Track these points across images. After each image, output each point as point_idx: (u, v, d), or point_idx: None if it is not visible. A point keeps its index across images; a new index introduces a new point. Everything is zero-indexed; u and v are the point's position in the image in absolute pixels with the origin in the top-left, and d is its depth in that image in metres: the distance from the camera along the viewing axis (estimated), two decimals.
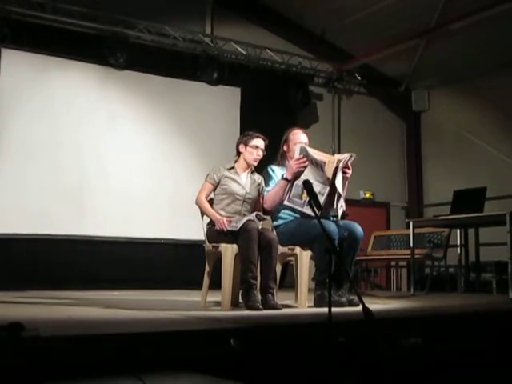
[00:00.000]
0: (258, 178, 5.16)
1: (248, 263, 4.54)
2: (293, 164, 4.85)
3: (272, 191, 4.99)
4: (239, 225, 4.64)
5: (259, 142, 5.07)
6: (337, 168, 4.79)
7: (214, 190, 5.06)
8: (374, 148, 11.51)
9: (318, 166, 4.82)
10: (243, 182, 5.05)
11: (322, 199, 4.68)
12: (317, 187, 4.68)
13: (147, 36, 9.39)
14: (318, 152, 4.90)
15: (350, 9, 9.94)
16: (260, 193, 5.12)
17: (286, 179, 4.87)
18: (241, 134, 9.00)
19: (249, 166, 5.10)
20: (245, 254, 4.57)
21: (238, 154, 5.13)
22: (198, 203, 5.00)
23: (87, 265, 8.49)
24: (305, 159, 4.82)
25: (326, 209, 4.84)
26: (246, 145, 5.06)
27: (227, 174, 5.02)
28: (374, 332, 3.30)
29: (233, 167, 5.08)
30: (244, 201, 4.99)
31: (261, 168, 5.21)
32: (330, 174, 4.80)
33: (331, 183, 4.81)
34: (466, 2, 8.90)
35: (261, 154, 5.07)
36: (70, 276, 8.14)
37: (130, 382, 2.48)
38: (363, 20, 10.01)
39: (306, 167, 4.83)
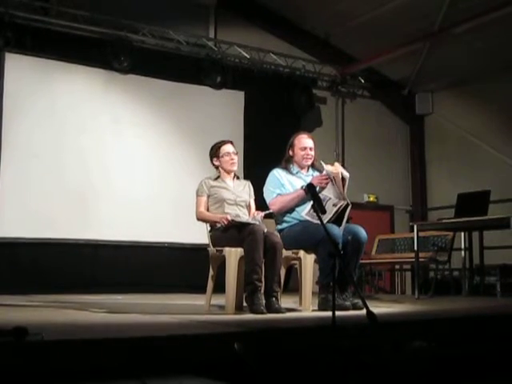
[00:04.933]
0: (244, 182, 5.28)
1: (253, 265, 4.55)
2: (315, 179, 4.96)
3: (286, 197, 5.05)
4: (242, 220, 4.77)
5: (228, 148, 5.17)
6: (343, 178, 4.95)
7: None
8: (378, 151, 11.52)
9: (333, 179, 4.93)
10: (231, 187, 5.13)
11: (333, 210, 4.88)
12: (333, 201, 4.92)
13: (151, 40, 9.41)
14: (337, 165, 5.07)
15: (354, 12, 9.95)
16: (250, 196, 5.22)
17: (305, 190, 4.90)
18: (244, 137, 9.18)
19: (230, 172, 5.18)
20: (250, 256, 4.57)
21: (216, 167, 5.21)
22: (199, 218, 5.06)
23: (91, 269, 8.49)
24: (327, 177, 4.93)
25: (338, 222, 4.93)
26: (218, 157, 5.16)
27: (214, 183, 5.11)
28: (378, 336, 3.30)
29: (218, 176, 5.17)
30: (237, 204, 5.05)
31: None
32: (341, 186, 4.95)
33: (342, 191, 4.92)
34: (470, 6, 8.91)
35: (234, 157, 5.17)
36: (73, 280, 8.14)
37: None
38: (367, 23, 10.01)
39: (327, 184, 4.93)
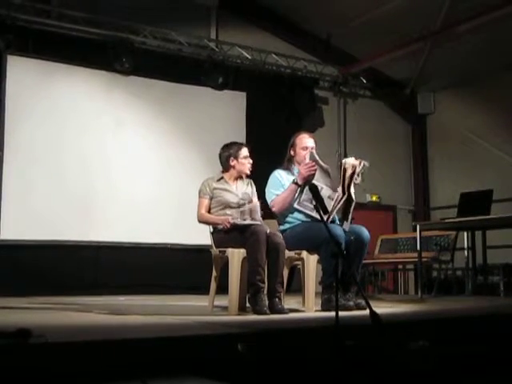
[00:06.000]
0: (246, 181, 5.23)
1: (256, 266, 4.55)
2: (302, 169, 4.90)
3: (282, 195, 5.02)
4: (244, 222, 4.72)
5: (246, 151, 5.15)
6: (353, 173, 4.86)
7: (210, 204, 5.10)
8: (380, 151, 11.49)
9: (326, 172, 4.87)
10: (234, 189, 5.10)
11: (331, 204, 4.77)
12: (327, 191, 4.85)
13: (152, 41, 9.41)
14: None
15: (355, 12, 9.94)
16: (253, 194, 5.19)
17: (296, 183, 4.90)
18: (247, 139, 9.13)
19: (240, 175, 5.15)
20: (253, 257, 4.57)
21: (227, 167, 5.14)
22: (201, 220, 5.04)
23: (93, 270, 8.49)
24: (314, 164, 4.87)
25: (344, 217, 4.88)
26: (237, 158, 5.10)
27: (217, 185, 5.07)
28: (381, 336, 3.29)
29: (221, 178, 5.13)
30: (240, 206, 5.02)
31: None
32: (347, 180, 4.87)
33: (347, 189, 4.86)
34: (471, 5, 8.89)
35: (251, 161, 5.15)
36: (76, 282, 8.14)
37: None
38: (368, 23, 10.00)
39: (315, 170, 4.87)
